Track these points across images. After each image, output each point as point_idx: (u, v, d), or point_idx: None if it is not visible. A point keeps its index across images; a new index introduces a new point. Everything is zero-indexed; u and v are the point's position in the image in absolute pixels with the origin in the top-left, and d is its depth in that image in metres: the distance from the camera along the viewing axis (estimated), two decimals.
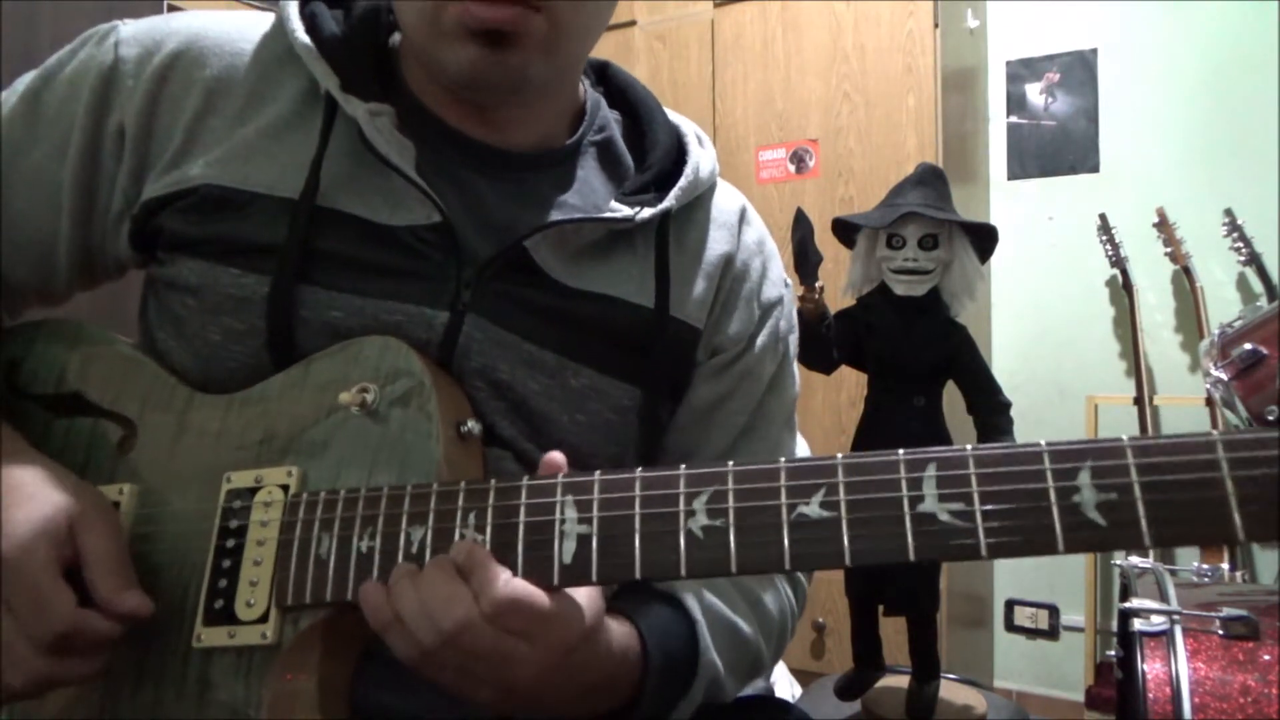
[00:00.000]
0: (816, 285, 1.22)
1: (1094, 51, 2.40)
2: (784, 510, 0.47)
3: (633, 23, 2.48)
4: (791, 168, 2.27)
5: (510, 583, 0.48)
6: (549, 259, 0.64)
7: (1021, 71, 2.48)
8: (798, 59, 2.26)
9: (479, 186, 0.65)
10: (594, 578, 0.49)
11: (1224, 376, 1.16)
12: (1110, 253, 2.28)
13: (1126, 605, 0.99)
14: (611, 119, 0.74)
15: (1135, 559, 1.20)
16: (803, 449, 0.80)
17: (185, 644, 0.55)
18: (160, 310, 0.64)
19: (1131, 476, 0.43)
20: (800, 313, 0.94)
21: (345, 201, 0.62)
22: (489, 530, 0.51)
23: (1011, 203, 2.49)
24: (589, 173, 0.70)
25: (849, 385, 2.13)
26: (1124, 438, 0.44)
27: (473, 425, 0.58)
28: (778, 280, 0.77)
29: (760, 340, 0.73)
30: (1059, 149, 2.44)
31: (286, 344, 0.60)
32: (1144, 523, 0.42)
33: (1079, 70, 2.41)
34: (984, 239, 1.27)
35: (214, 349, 0.61)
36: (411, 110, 0.65)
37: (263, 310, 0.60)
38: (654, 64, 2.42)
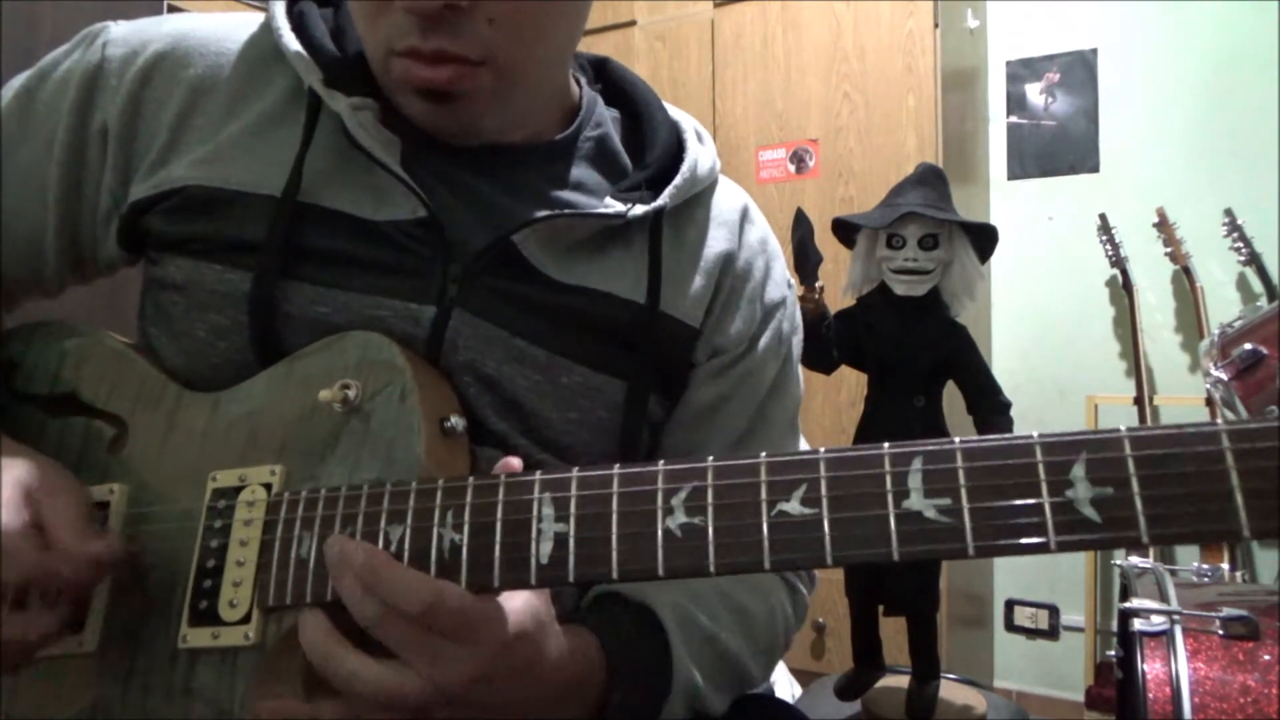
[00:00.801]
0: (816, 285, 1.22)
1: (1094, 51, 2.40)
2: (764, 508, 0.45)
3: (633, 23, 2.48)
4: (791, 168, 2.27)
5: (430, 583, 0.47)
6: (538, 254, 0.63)
7: (1021, 71, 2.48)
8: (798, 59, 2.26)
9: (466, 181, 0.65)
10: (570, 578, 0.47)
11: (1224, 376, 1.16)
12: (1110, 253, 2.28)
13: (1126, 605, 0.99)
14: (608, 117, 0.73)
15: (1135, 559, 1.20)
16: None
17: (172, 645, 0.55)
18: (154, 308, 0.65)
19: (1129, 470, 0.40)
20: (800, 313, 0.94)
21: (329, 197, 0.61)
22: (466, 529, 0.50)
23: (1011, 203, 2.49)
24: (583, 169, 0.69)
25: (849, 385, 2.13)
26: (1121, 428, 0.41)
27: (457, 421, 0.57)
28: (781, 281, 0.76)
29: (763, 341, 0.72)
30: (1059, 149, 2.44)
31: (270, 340, 0.60)
32: (1142, 519, 0.40)
33: (1079, 70, 2.41)
34: (984, 239, 1.26)
35: (200, 345, 0.61)
36: (396, 108, 0.64)
37: (246, 306, 0.60)
38: (654, 64, 2.42)
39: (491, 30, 0.56)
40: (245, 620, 0.53)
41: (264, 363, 0.60)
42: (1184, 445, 0.40)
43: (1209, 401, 2.07)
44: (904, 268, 1.23)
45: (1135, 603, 0.98)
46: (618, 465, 0.49)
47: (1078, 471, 0.41)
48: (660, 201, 0.66)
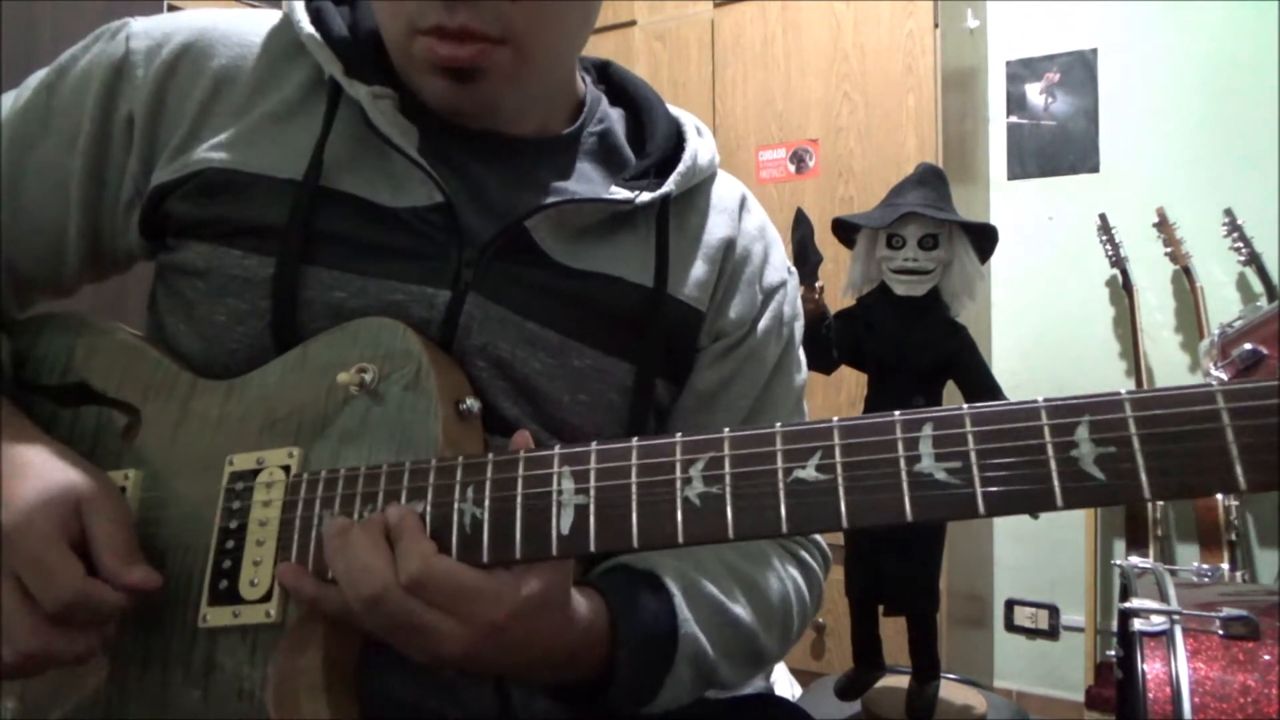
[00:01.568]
0: (816, 285, 1.22)
1: (1094, 51, 2.40)
2: (780, 474, 0.46)
3: (633, 23, 2.48)
4: (791, 168, 2.27)
5: (425, 556, 0.49)
6: (549, 239, 0.65)
7: (1021, 71, 2.48)
8: (798, 59, 2.26)
9: (479, 171, 0.66)
10: (592, 547, 0.49)
11: (1224, 376, 1.16)
12: (1110, 253, 2.28)
13: (1126, 605, 0.99)
14: (612, 115, 0.75)
15: (1135, 559, 1.20)
16: None
17: (191, 625, 0.56)
18: (170, 295, 0.66)
19: (1130, 429, 0.42)
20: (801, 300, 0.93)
21: (348, 183, 0.63)
22: (487, 503, 0.51)
23: (1011, 203, 2.49)
24: (588, 162, 0.71)
25: (849, 385, 2.13)
26: (1122, 391, 0.43)
27: (472, 403, 0.58)
28: (780, 266, 0.78)
29: (763, 324, 0.74)
30: (1059, 149, 2.44)
31: (290, 324, 0.61)
32: (1143, 474, 0.41)
33: (1079, 70, 2.41)
34: (984, 239, 1.26)
35: (219, 330, 0.62)
36: (413, 98, 0.65)
37: (267, 291, 0.61)
38: (654, 64, 2.42)
39: (514, 9, 0.58)
40: (266, 598, 0.54)
41: (281, 347, 0.61)
42: (1182, 405, 0.42)
43: None
44: (904, 268, 1.23)
45: (1135, 603, 0.98)
46: (635, 439, 0.50)
47: (1082, 433, 0.43)
48: (666, 188, 0.68)
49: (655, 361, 0.68)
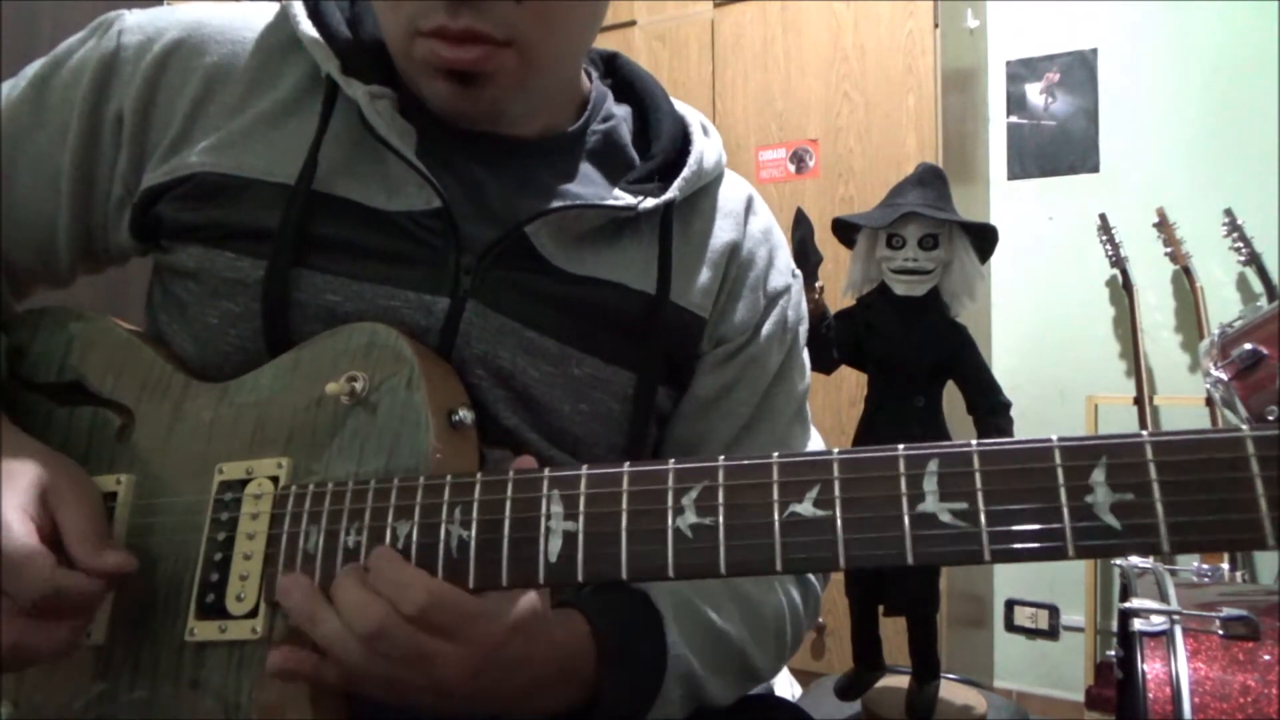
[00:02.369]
0: (816, 285, 1.22)
1: (1094, 51, 2.40)
2: (775, 509, 0.44)
3: (633, 23, 2.48)
4: (791, 168, 2.27)
5: (429, 583, 0.48)
6: (550, 245, 0.63)
7: (1021, 71, 2.48)
8: (798, 59, 2.26)
9: (479, 174, 0.65)
10: (580, 577, 0.47)
11: (1224, 376, 1.16)
12: (1110, 253, 2.28)
13: (1126, 605, 0.99)
14: (618, 113, 0.73)
15: (1135, 559, 1.20)
16: (815, 443, 0.78)
17: (179, 638, 0.55)
18: (165, 295, 0.65)
19: (1150, 475, 0.39)
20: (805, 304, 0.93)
21: (343, 186, 0.62)
22: (474, 526, 0.49)
23: (1011, 203, 2.49)
24: (591, 162, 0.69)
25: (849, 385, 2.13)
26: (1143, 433, 0.40)
27: (465, 414, 0.57)
28: (785, 269, 0.76)
29: (766, 329, 0.72)
30: (1059, 149, 2.44)
31: (282, 328, 0.60)
32: (1163, 527, 0.38)
33: (1079, 70, 2.41)
34: (984, 239, 1.26)
35: (212, 332, 0.62)
36: (412, 98, 0.64)
37: (258, 293, 0.60)
38: (654, 64, 2.42)
39: (519, 11, 0.57)
40: (252, 614, 0.54)
41: (275, 351, 0.60)
42: (1208, 451, 0.39)
43: (1209, 401, 2.07)
44: (904, 268, 1.23)
45: (1135, 603, 0.98)
46: (627, 463, 0.48)
47: (1098, 476, 0.40)
48: (670, 194, 0.67)
49: (656, 370, 0.67)
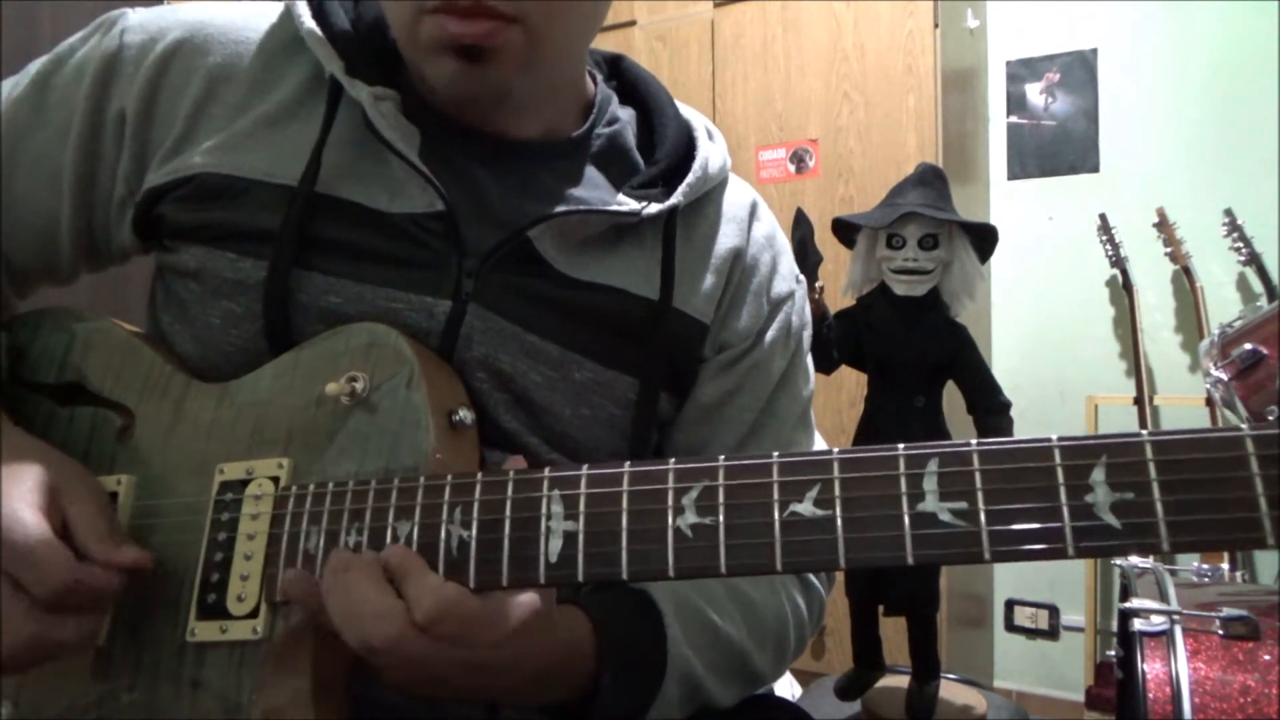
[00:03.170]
0: (816, 285, 1.22)
1: (1094, 51, 2.40)
2: (776, 508, 0.44)
3: (633, 23, 2.48)
4: (791, 168, 2.27)
5: (439, 592, 0.47)
6: (552, 250, 0.63)
7: (1021, 71, 2.48)
8: (798, 59, 2.26)
9: (482, 177, 0.65)
10: (580, 577, 0.47)
11: (1224, 376, 1.16)
12: (1110, 253, 2.28)
13: (1126, 605, 0.99)
14: (623, 115, 0.73)
15: (1135, 559, 1.20)
16: (819, 447, 0.78)
17: (180, 638, 0.55)
18: (167, 295, 0.65)
19: (1150, 474, 0.39)
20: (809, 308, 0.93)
21: (345, 188, 0.62)
22: (474, 526, 0.49)
23: (1011, 203, 2.49)
24: (595, 166, 0.69)
25: (849, 385, 2.13)
26: (1143, 432, 0.40)
27: (465, 414, 0.57)
28: (788, 275, 0.76)
29: (769, 335, 0.72)
30: (1059, 149, 2.44)
31: (283, 329, 0.60)
32: (1163, 526, 0.38)
33: (1079, 70, 2.41)
34: (984, 239, 1.26)
35: (213, 332, 0.62)
36: (416, 99, 0.64)
37: (259, 294, 0.60)
38: (654, 64, 2.42)
39: None
40: (253, 615, 0.54)
41: (276, 351, 0.60)
42: (1207, 450, 0.39)
43: (1209, 401, 2.07)
44: (904, 268, 1.23)
45: (1135, 603, 0.98)
46: (628, 463, 0.48)
47: (1097, 476, 0.40)
48: (673, 200, 0.66)
49: (658, 376, 0.67)
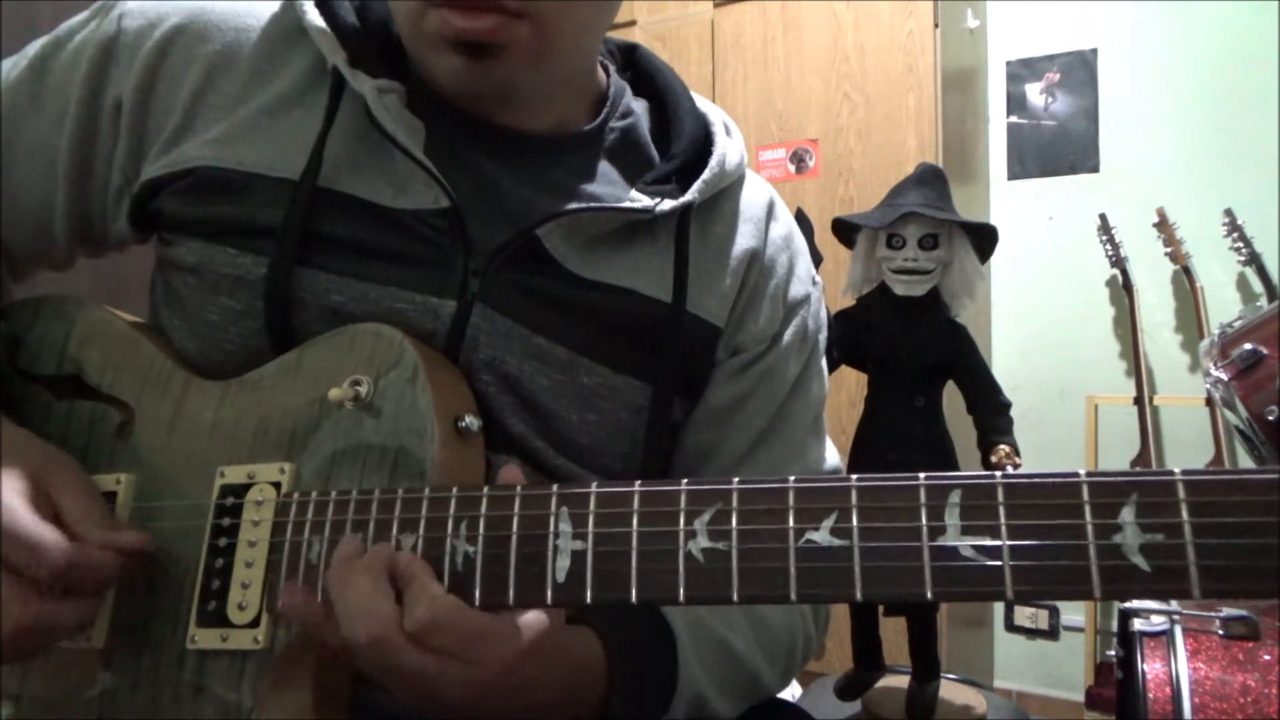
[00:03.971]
0: None
1: (1094, 51, 2.40)
2: (791, 535, 0.42)
3: (633, 23, 2.48)
4: (791, 168, 2.27)
5: (436, 602, 0.46)
6: (562, 248, 0.61)
7: (1021, 71, 2.48)
8: (798, 59, 2.26)
9: (491, 171, 0.63)
10: (588, 598, 0.45)
11: (1224, 376, 1.16)
12: (1110, 253, 2.28)
13: (1127, 605, 0.99)
14: (637, 108, 0.71)
15: None
16: (830, 454, 0.75)
17: (180, 645, 0.54)
18: (166, 289, 0.64)
19: (1182, 515, 0.37)
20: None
21: (348, 183, 0.60)
22: (480, 542, 0.48)
23: (1011, 203, 2.49)
24: (609, 160, 0.67)
25: (849, 385, 2.13)
26: (1176, 471, 0.38)
27: (471, 421, 0.55)
28: (805, 277, 0.73)
29: (785, 339, 0.70)
30: (1059, 149, 2.44)
31: (285, 327, 0.59)
32: (1194, 570, 0.36)
33: (1079, 70, 2.41)
34: (984, 239, 1.26)
35: (212, 329, 0.60)
36: (422, 91, 0.62)
37: (260, 291, 0.58)
38: None
39: None
40: (254, 624, 0.53)
41: (278, 349, 0.59)
42: (1243, 493, 0.37)
43: (1209, 401, 2.07)
44: (904, 268, 1.23)
45: (1135, 603, 0.98)
46: (639, 482, 0.47)
47: (1127, 515, 0.38)
48: (688, 197, 0.64)
49: (672, 382, 0.65)
